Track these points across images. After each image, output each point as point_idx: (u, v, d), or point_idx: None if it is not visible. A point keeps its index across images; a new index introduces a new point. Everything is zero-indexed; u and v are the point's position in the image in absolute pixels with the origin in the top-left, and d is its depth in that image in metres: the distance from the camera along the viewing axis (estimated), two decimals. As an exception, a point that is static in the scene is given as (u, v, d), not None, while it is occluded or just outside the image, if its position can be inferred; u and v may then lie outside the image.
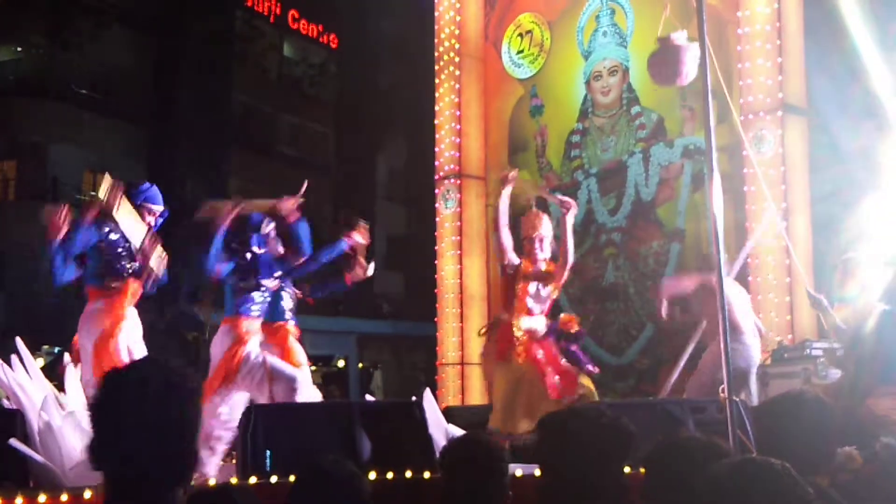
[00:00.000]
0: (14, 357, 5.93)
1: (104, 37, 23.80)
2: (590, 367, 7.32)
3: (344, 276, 7.61)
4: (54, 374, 6.49)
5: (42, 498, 5.03)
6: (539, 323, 7.40)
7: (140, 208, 6.75)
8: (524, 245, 7.59)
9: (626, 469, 3.02)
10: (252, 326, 6.91)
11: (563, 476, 2.72)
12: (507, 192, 7.73)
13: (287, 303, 7.48)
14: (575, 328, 7.46)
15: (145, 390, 2.16)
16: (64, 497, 5.08)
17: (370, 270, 7.58)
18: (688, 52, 7.81)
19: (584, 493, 2.68)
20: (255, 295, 6.94)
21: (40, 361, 6.21)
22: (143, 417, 2.14)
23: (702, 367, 8.46)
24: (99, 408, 2.21)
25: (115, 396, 2.20)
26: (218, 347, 6.77)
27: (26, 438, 5.57)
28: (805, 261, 9.44)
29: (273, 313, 7.27)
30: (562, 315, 7.73)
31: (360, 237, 7.31)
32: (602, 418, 2.88)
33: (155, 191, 6.91)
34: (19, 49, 26.21)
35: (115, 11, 24.11)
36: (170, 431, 2.16)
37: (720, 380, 7.38)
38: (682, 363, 9.17)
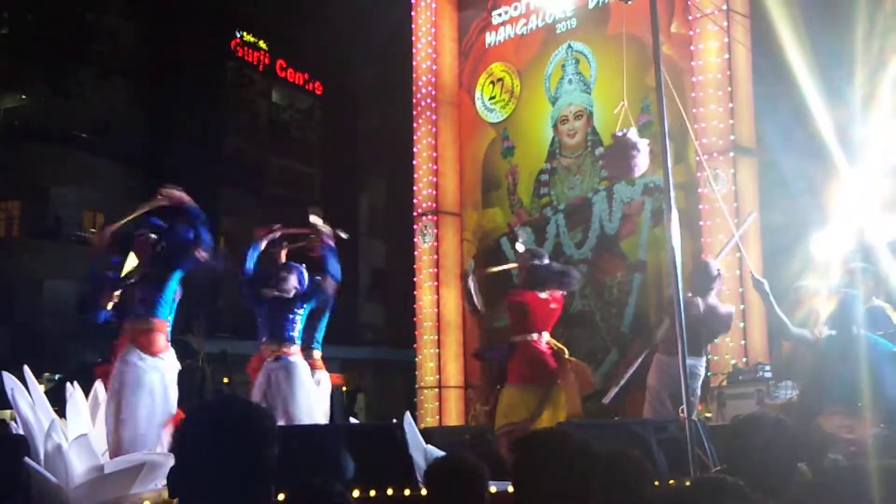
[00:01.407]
0: (18, 385, 5.87)
1: (104, 85, 23.76)
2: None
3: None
4: (55, 400, 6.42)
5: (45, 518, 4.98)
6: None
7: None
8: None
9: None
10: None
11: (537, 493, 2.71)
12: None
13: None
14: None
15: (227, 426, 2.14)
16: (66, 517, 5.04)
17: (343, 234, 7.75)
18: (638, 151, 8.02)
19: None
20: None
21: (42, 388, 6.13)
22: (222, 451, 2.11)
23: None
24: (182, 439, 2.19)
25: (198, 429, 2.17)
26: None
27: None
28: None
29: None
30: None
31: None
32: (571, 441, 2.88)
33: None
34: (24, 96, 26.17)
35: (114, 62, 24.09)
36: (245, 466, 2.13)
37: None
38: (623, 380, 9.13)
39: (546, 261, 7.53)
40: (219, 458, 2.11)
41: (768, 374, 8.58)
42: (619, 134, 8.26)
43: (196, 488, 2.12)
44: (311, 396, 7.31)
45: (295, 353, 7.31)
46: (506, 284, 8.66)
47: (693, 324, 7.73)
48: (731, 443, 3.50)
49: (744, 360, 9.66)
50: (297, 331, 7.38)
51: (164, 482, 5.40)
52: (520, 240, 8.52)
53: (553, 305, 7.33)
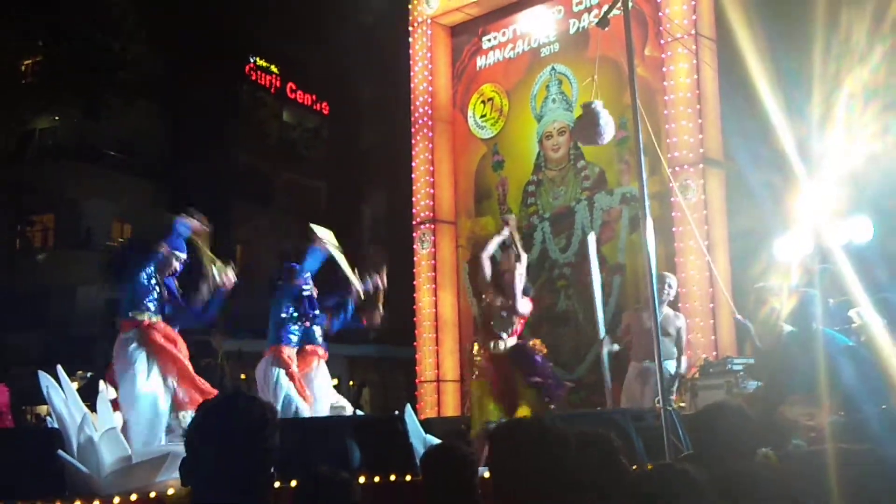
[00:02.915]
0: (53, 382, 5.87)
1: (129, 108, 23.80)
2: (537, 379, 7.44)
3: (361, 317, 7.88)
4: (86, 396, 6.42)
5: (77, 503, 4.98)
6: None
7: (170, 256, 6.76)
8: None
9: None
10: (293, 354, 7.27)
11: (512, 478, 2.69)
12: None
13: (318, 331, 7.92)
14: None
15: (239, 420, 2.14)
16: (96, 503, 5.04)
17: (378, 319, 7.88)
18: (607, 118, 7.94)
19: (529, 492, 2.65)
20: (295, 327, 7.33)
21: (75, 385, 6.13)
22: (226, 442, 2.11)
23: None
24: (192, 431, 2.19)
25: (205, 422, 2.18)
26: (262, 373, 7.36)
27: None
28: (726, 288, 9.51)
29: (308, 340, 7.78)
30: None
31: (380, 280, 7.60)
32: (543, 427, 2.86)
33: (181, 241, 6.93)
34: (57, 118, 26.17)
35: (139, 87, 24.12)
36: (255, 458, 2.14)
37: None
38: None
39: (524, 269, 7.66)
40: (224, 448, 2.11)
41: (737, 367, 8.58)
42: (587, 105, 8.19)
43: (204, 476, 2.13)
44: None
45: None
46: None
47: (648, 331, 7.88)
48: (696, 429, 3.51)
49: (714, 353, 9.67)
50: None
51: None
52: (506, 231, 8.33)
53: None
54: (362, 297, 8.03)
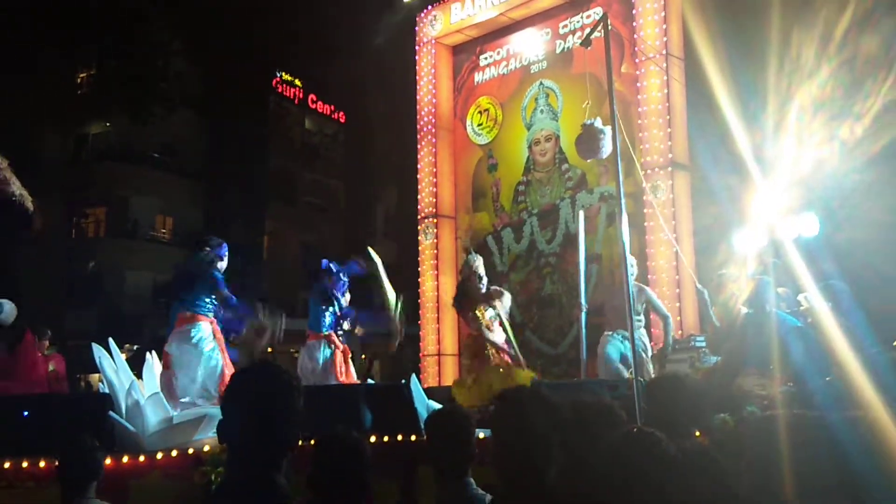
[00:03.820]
0: (105, 353, 5.87)
1: (171, 115, 23.76)
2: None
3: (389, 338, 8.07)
4: (134, 365, 6.43)
5: (125, 458, 4.99)
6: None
7: (216, 258, 6.75)
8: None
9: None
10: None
11: (511, 438, 2.69)
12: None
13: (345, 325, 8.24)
14: None
15: (268, 386, 2.14)
16: (141, 458, 5.04)
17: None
18: (604, 135, 7.96)
19: (528, 449, 2.65)
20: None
21: (124, 356, 6.13)
22: (257, 405, 2.12)
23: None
24: (227, 396, 2.19)
25: (238, 388, 2.18)
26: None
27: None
28: (690, 276, 9.50)
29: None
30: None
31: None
32: (539, 393, 2.87)
33: (225, 246, 6.91)
34: (108, 124, 26.15)
35: (180, 96, 24.08)
36: (282, 417, 2.14)
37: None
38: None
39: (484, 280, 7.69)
40: (255, 411, 2.11)
41: (699, 344, 8.58)
42: (588, 123, 8.19)
43: (238, 435, 2.13)
44: None
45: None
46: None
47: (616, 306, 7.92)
48: (649, 397, 3.50)
49: (679, 332, 9.66)
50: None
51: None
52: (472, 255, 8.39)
53: None
54: (397, 332, 8.21)
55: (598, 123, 8.00)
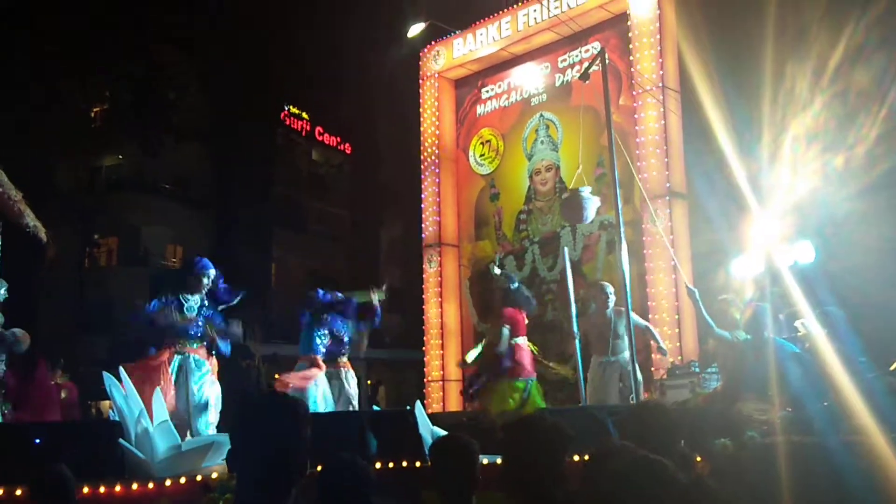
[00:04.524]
0: (115, 381, 5.85)
1: (182, 147, 23.89)
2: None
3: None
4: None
5: (134, 486, 4.95)
6: None
7: (199, 275, 6.75)
8: None
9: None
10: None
11: (522, 464, 2.68)
12: None
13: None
14: None
15: (276, 415, 2.13)
16: (150, 485, 5.00)
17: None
18: (589, 203, 8.12)
19: (537, 476, 2.64)
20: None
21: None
22: (265, 434, 2.11)
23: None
24: (239, 424, 2.18)
25: (247, 417, 2.16)
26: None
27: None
28: (688, 302, 9.47)
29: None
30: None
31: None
32: (547, 422, 2.86)
33: (206, 261, 6.90)
34: (121, 156, 26.29)
35: (190, 129, 24.23)
36: (291, 444, 2.12)
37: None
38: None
39: (516, 284, 7.54)
40: (263, 439, 2.10)
41: (699, 370, 8.54)
42: (576, 192, 8.34)
43: (247, 463, 2.11)
44: None
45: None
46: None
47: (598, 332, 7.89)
48: (630, 423, 3.44)
49: (679, 357, 9.62)
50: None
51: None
52: (496, 264, 8.47)
53: (526, 320, 7.38)
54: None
55: (585, 192, 8.14)
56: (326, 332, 7.98)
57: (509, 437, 2.77)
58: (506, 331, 7.02)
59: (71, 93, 21.39)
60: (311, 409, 7.26)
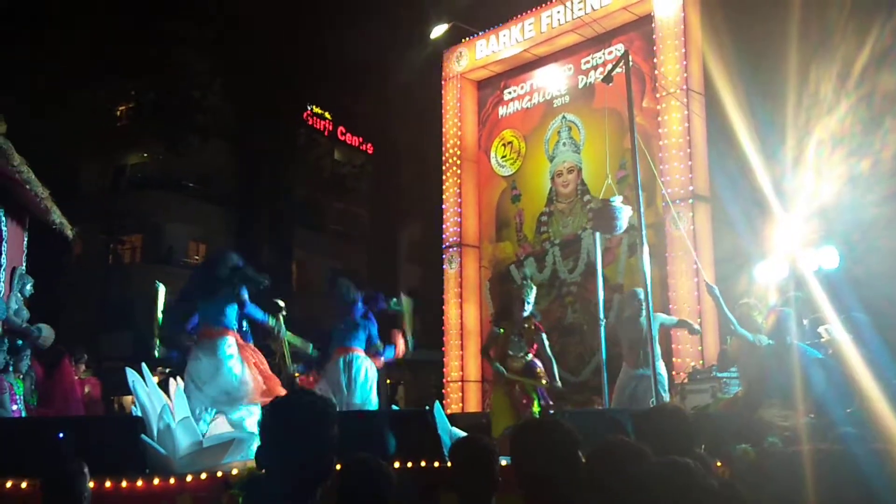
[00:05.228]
0: (138, 377, 5.88)
1: (206, 146, 24.05)
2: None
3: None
4: (167, 389, 6.43)
5: (156, 481, 4.98)
6: None
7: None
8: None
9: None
10: None
11: (534, 468, 2.65)
12: None
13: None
14: None
15: (305, 414, 2.14)
16: (171, 480, 5.03)
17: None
18: (621, 212, 8.01)
19: (549, 480, 2.62)
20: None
21: (156, 379, 6.13)
22: (295, 432, 2.12)
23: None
24: (265, 423, 2.19)
25: (277, 416, 2.17)
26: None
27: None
28: (710, 306, 9.39)
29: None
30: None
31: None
32: (558, 426, 2.84)
33: (231, 252, 6.89)
34: (146, 154, 26.53)
35: (214, 128, 24.39)
36: (319, 444, 2.13)
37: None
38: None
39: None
40: (293, 437, 2.11)
41: (720, 374, 8.45)
42: (607, 202, 8.27)
43: (276, 460, 2.12)
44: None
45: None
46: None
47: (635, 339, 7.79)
48: (643, 425, 3.40)
49: (700, 362, 9.54)
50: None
51: (247, 453, 5.40)
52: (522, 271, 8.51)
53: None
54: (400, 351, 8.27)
55: (617, 202, 8.06)
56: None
57: (522, 439, 2.74)
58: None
59: (95, 92, 21.59)
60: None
